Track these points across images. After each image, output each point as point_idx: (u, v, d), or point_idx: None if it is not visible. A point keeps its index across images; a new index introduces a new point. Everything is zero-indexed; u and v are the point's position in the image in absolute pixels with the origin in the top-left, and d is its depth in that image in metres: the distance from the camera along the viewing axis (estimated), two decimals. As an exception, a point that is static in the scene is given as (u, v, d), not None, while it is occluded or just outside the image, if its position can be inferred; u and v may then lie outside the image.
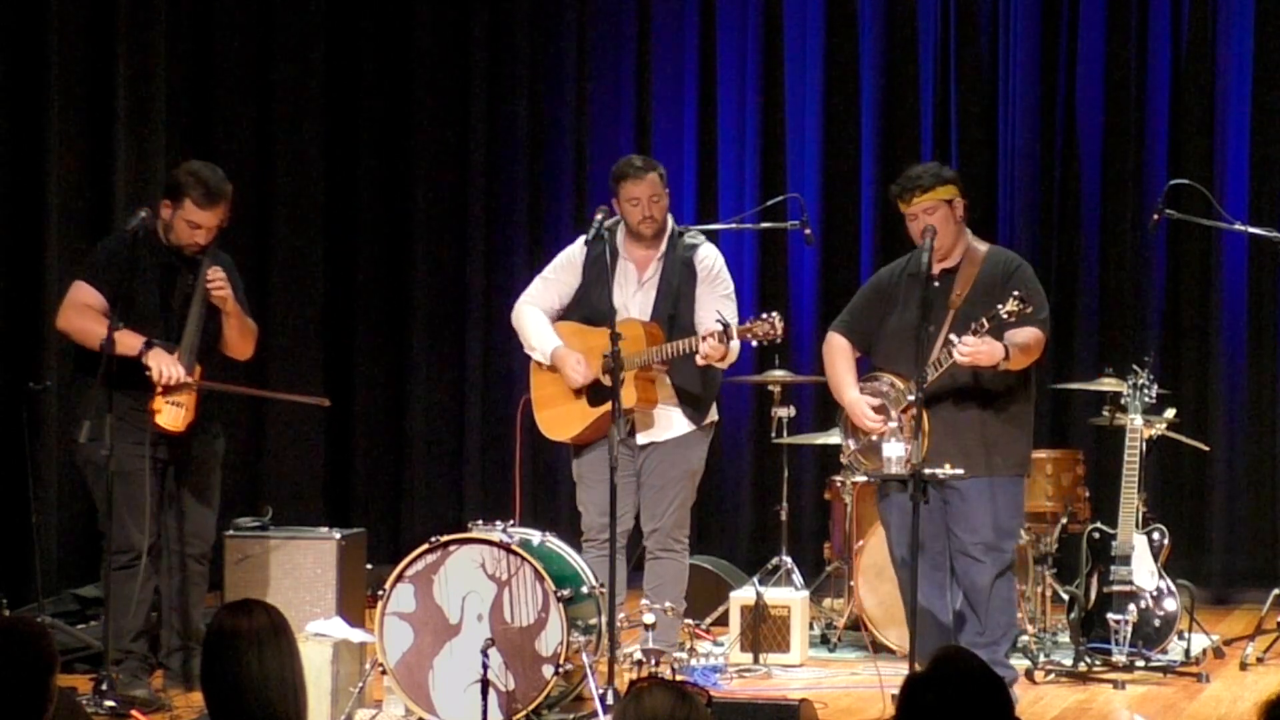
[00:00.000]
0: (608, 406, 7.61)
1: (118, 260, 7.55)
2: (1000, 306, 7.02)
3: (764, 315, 7.53)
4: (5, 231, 9.16)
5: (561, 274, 7.97)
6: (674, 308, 7.79)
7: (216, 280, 7.52)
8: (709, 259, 7.90)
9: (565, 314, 7.95)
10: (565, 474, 10.30)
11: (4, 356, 9.07)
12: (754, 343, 7.65)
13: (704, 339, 7.53)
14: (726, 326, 7.47)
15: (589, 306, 7.86)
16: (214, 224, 7.57)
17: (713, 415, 7.96)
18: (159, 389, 7.43)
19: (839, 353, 7.57)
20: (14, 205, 9.21)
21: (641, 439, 7.81)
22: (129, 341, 7.42)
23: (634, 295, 7.85)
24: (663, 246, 7.87)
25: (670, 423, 7.84)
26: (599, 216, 7.61)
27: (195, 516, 7.74)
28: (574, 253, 7.95)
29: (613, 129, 11.03)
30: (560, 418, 7.89)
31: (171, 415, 7.47)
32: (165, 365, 7.41)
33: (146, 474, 7.50)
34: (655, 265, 7.86)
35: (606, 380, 7.68)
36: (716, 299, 7.77)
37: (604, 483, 7.70)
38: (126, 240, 7.55)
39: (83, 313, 7.54)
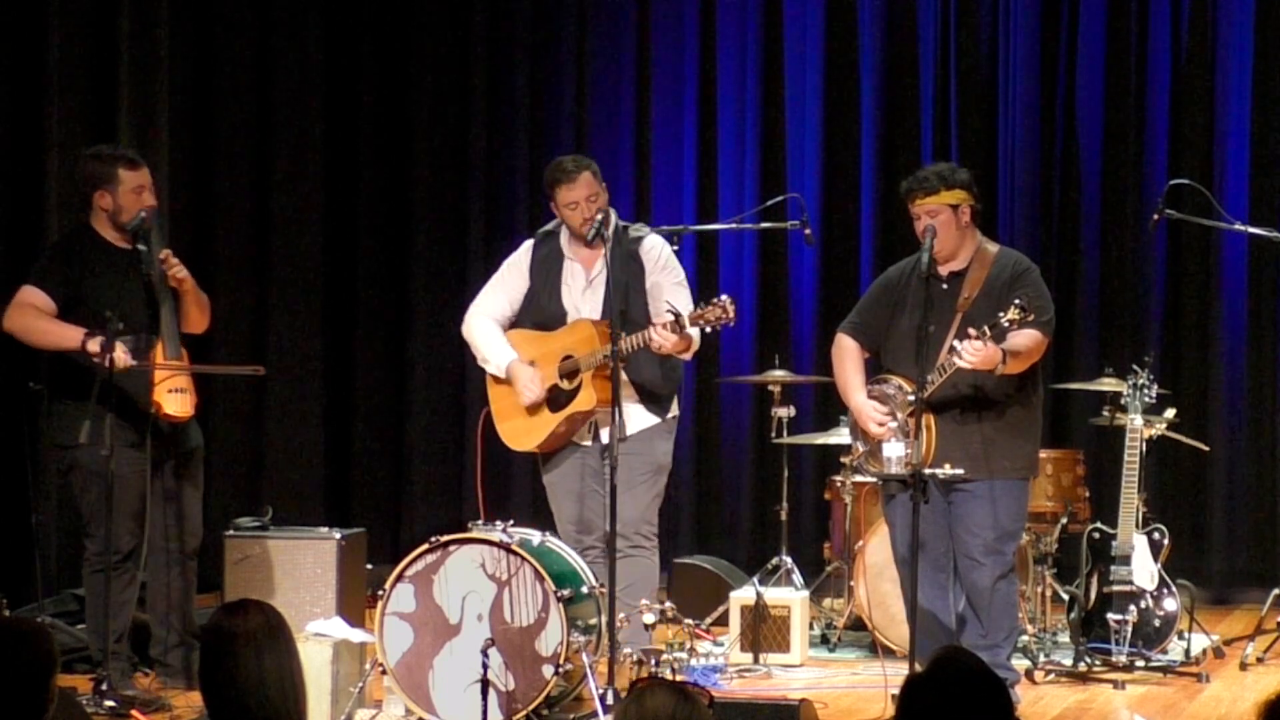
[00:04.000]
0: (570, 410, 7.61)
1: (66, 261, 7.60)
2: (1001, 315, 7.03)
3: (714, 300, 7.41)
4: (6, 231, 9.15)
5: (509, 278, 7.87)
6: (624, 303, 7.60)
7: (171, 259, 7.55)
8: (655, 248, 7.77)
9: (516, 320, 7.85)
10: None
11: (4, 356, 9.06)
12: (708, 329, 7.46)
13: (655, 329, 7.41)
14: (678, 315, 7.36)
15: (538, 310, 7.77)
16: (149, 182, 7.67)
17: (675, 410, 7.83)
18: (154, 383, 7.46)
19: (847, 355, 7.56)
20: (15, 205, 9.21)
21: (605, 437, 7.54)
22: (69, 334, 7.47)
23: (583, 294, 7.73)
24: (608, 242, 7.72)
25: (631, 419, 7.65)
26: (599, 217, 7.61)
27: (191, 513, 7.75)
28: (520, 257, 7.88)
29: (613, 129, 11.03)
30: (522, 428, 7.78)
31: (179, 403, 7.54)
32: (114, 354, 7.39)
33: (139, 477, 7.52)
34: (601, 263, 7.69)
35: (565, 385, 7.64)
36: (669, 288, 7.65)
37: (574, 495, 7.72)
38: (76, 244, 7.59)
39: (26, 312, 7.57)
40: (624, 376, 7.57)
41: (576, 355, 7.61)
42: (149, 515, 7.57)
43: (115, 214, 7.62)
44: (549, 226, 7.87)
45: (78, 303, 7.57)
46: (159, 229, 7.70)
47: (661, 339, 7.39)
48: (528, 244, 7.94)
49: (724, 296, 7.41)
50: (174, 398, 7.52)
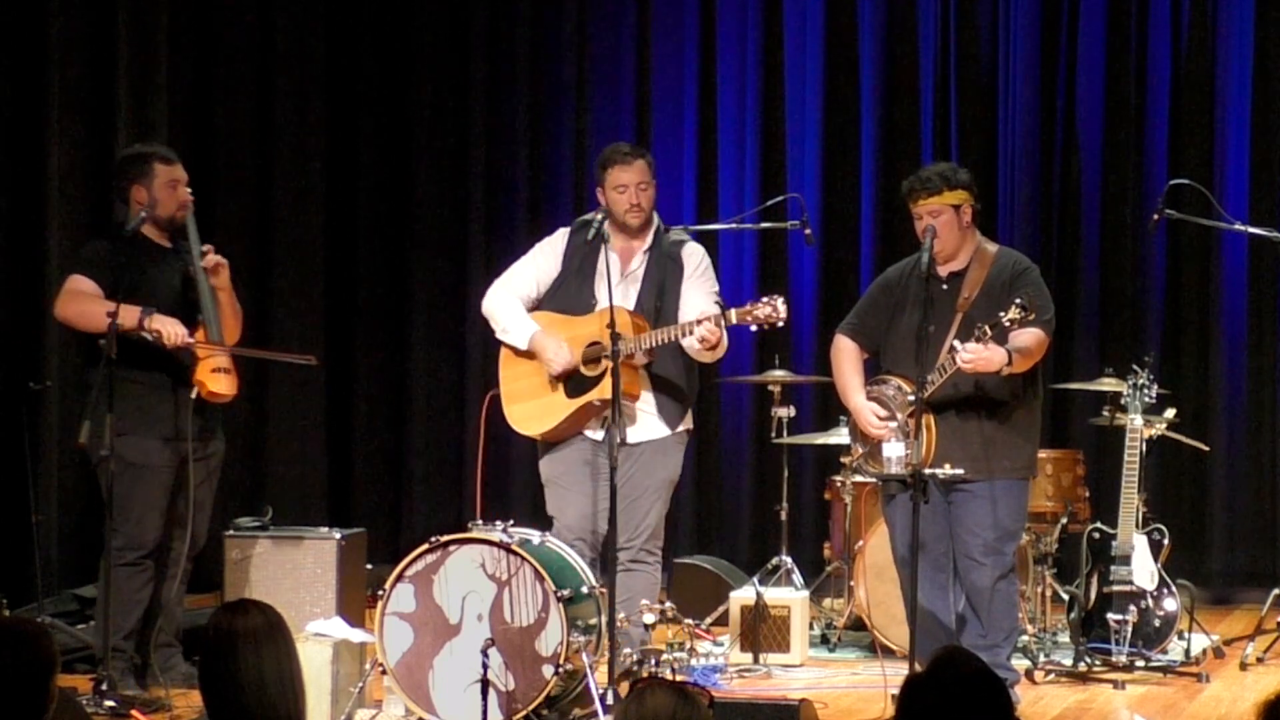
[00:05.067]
0: (587, 397, 7.47)
1: (109, 255, 7.61)
2: (1002, 314, 7.03)
3: (765, 299, 7.30)
4: (6, 231, 9.16)
5: (541, 260, 7.74)
6: (659, 300, 7.54)
7: (213, 257, 7.58)
8: (697, 255, 7.69)
9: (539, 304, 7.71)
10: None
11: (4, 356, 9.07)
12: (754, 327, 7.37)
13: (699, 322, 7.27)
14: (725, 309, 7.24)
15: (565, 296, 7.64)
16: (185, 178, 7.70)
17: (688, 422, 7.71)
18: (197, 363, 7.49)
19: (846, 356, 7.55)
20: (15, 205, 9.22)
21: (608, 438, 7.32)
22: (126, 314, 7.45)
23: (617, 287, 7.47)
24: (649, 240, 7.65)
25: (645, 424, 7.55)
26: (600, 216, 7.57)
27: (201, 516, 7.77)
28: (555, 240, 7.76)
29: (613, 129, 11.02)
30: (534, 411, 7.63)
31: (224, 382, 7.60)
32: (168, 326, 7.44)
33: (171, 472, 7.55)
34: (640, 258, 7.63)
35: (586, 371, 7.51)
36: (704, 295, 7.55)
37: (580, 486, 7.57)
38: (121, 238, 7.60)
39: (78, 298, 7.58)
40: (645, 373, 7.51)
41: (604, 342, 7.39)
42: (180, 512, 7.59)
43: (151, 208, 7.65)
44: (587, 216, 7.73)
45: (113, 295, 7.57)
46: (194, 223, 7.71)
47: (705, 331, 7.22)
48: (563, 230, 7.79)
49: (777, 297, 7.30)
50: (218, 377, 7.58)
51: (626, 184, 7.58)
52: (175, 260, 7.68)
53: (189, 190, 7.74)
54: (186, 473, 7.58)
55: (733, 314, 7.27)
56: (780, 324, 7.33)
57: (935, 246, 7.31)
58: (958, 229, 7.37)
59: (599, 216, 7.51)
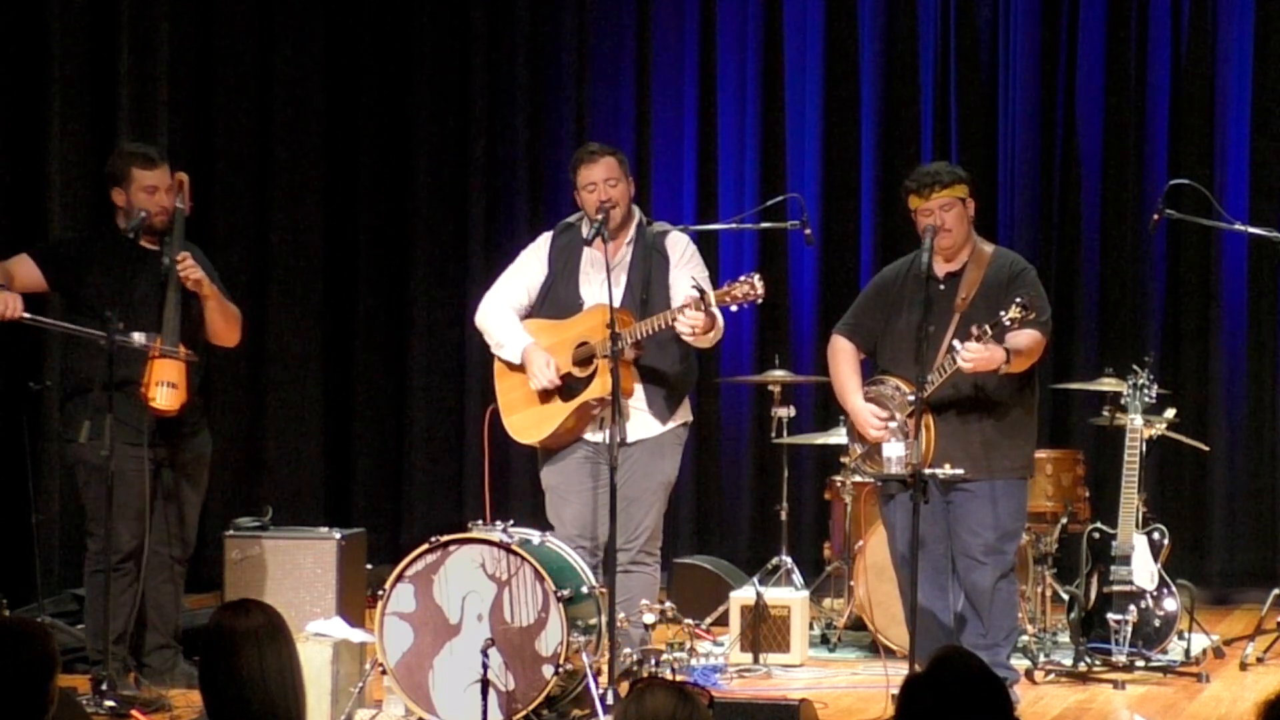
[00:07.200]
0: (582, 399, 7.44)
1: (73, 249, 7.60)
2: (1003, 314, 7.03)
3: (743, 276, 7.26)
4: (6, 231, 9.15)
5: (528, 266, 7.71)
6: (646, 292, 7.49)
7: (186, 262, 7.53)
8: (681, 243, 7.64)
9: (531, 311, 7.69)
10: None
11: (4, 356, 9.07)
12: (735, 308, 7.32)
13: (681, 309, 7.20)
14: (703, 292, 7.17)
15: (554, 300, 7.62)
16: (168, 183, 7.63)
17: (685, 415, 7.66)
18: (145, 375, 7.44)
19: (843, 357, 7.54)
20: (15, 204, 9.22)
21: (608, 438, 7.26)
22: None
23: (603, 284, 7.39)
24: (630, 233, 7.59)
25: (638, 420, 7.47)
26: (578, 218, 7.59)
27: (186, 518, 7.75)
28: (539, 245, 7.74)
29: (613, 129, 11.03)
30: (531, 419, 7.60)
31: (166, 396, 7.47)
32: (5, 300, 7.37)
33: (140, 476, 7.51)
34: (624, 251, 7.57)
35: (578, 372, 7.48)
36: (691, 281, 7.42)
37: (582, 494, 7.54)
38: (106, 237, 7.58)
39: None
40: (635, 368, 7.45)
41: (592, 341, 7.41)
42: (150, 516, 7.56)
43: (128, 212, 7.61)
44: (570, 219, 7.74)
45: (78, 295, 7.56)
46: (180, 230, 7.66)
47: (689, 318, 7.18)
48: (546, 234, 7.78)
49: (754, 273, 7.27)
50: (163, 390, 7.46)
51: (595, 181, 7.53)
52: (152, 263, 7.63)
53: (180, 197, 7.67)
54: (146, 478, 7.54)
55: (712, 297, 7.22)
56: (760, 300, 7.28)
57: (947, 240, 7.31)
58: (966, 221, 7.38)
59: (578, 218, 7.53)
